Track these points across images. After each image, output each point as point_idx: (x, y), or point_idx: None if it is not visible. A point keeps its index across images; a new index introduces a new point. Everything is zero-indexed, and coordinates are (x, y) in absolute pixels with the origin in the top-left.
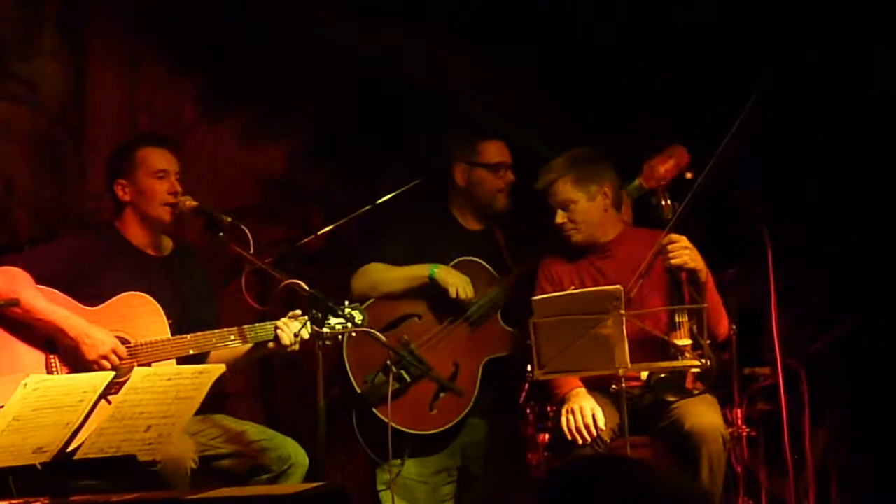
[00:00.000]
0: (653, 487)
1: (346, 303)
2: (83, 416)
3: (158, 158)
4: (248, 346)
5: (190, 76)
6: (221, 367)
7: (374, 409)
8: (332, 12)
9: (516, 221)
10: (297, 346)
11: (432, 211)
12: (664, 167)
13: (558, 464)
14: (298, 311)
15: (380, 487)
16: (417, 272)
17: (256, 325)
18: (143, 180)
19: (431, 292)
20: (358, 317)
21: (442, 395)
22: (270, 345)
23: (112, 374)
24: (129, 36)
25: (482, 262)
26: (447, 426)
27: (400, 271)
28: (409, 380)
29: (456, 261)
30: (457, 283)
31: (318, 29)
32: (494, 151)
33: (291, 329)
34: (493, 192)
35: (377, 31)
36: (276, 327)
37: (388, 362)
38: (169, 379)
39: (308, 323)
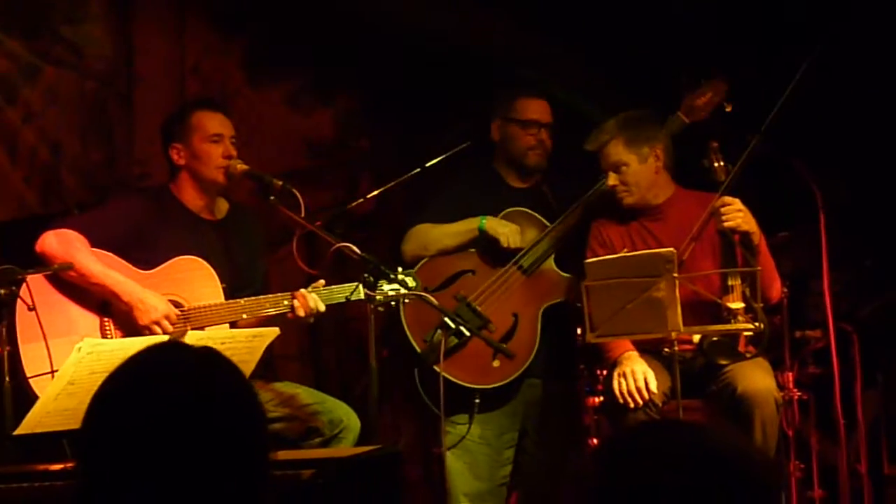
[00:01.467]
0: (715, 451)
1: (399, 268)
2: None
3: (213, 122)
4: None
5: (237, 40)
6: (275, 331)
7: (435, 368)
8: None
9: (565, 182)
10: (311, 319)
11: (478, 170)
12: (703, 99)
13: (611, 427)
14: (321, 283)
15: (446, 447)
16: (467, 226)
17: (305, 291)
18: (197, 144)
19: (483, 245)
20: (411, 282)
21: (493, 346)
22: (289, 315)
23: (165, 338)
24: (177, 2)
25: (530, 212)
26: (513, 376)
27: (449, 227)
28: (467, 335)
29: (504, 212)
30: (507, 232)
31: None
32: (529, 108)
33: (313, 302)
34: (523, 148)
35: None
36: (320, 293)
37: (445, 319)
38: (223, 343)
39: (352, 291)
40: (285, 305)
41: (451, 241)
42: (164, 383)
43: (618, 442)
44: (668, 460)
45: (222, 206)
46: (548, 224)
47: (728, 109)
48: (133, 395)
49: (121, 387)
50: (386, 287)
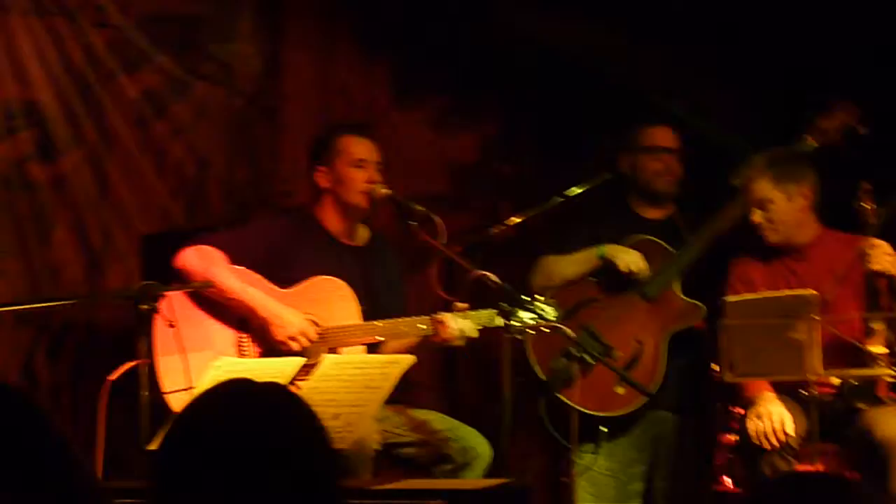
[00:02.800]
0: None
1: (537, 296)
2: None
3: (359, 147)
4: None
5: (384, 62)
6: (411, 358)
7: (558, 395)
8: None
9: (701, 213)
10: (462, 342)
11: (609, 203)
12: (831, 123)
13: (744, 467)
14: (466, 305)
15: (575, 478)
16: (588, 254)
17: (443, 316)
18: (342, 168)
19: (606, 273)
20: (550, 312)
21: (620, 375)
22: (433, 338)
23: (303, 360)
24: (325, 21)
25: (655, 239)
26: (634, 407)
27: (572, 257)
28: (591, 362)
29: (628, 239)
30: (626, 258)
31: (514, 18)
32: (654, 136)
33: (457, 325)
34: (651, 174)
35: (574, 24)
36: (457, 320)
37: (571, 348)
38: (358, 367)
39: (489, 319)
40: (422, 329)
41: (575, 269)
42: (229, 422)
43: (770, 492)
44: None
45: (363, 233)
46: (672, 251)
47: (862, 132)
48: (202, 431)
49: (193, 421)
50: (523, 315)
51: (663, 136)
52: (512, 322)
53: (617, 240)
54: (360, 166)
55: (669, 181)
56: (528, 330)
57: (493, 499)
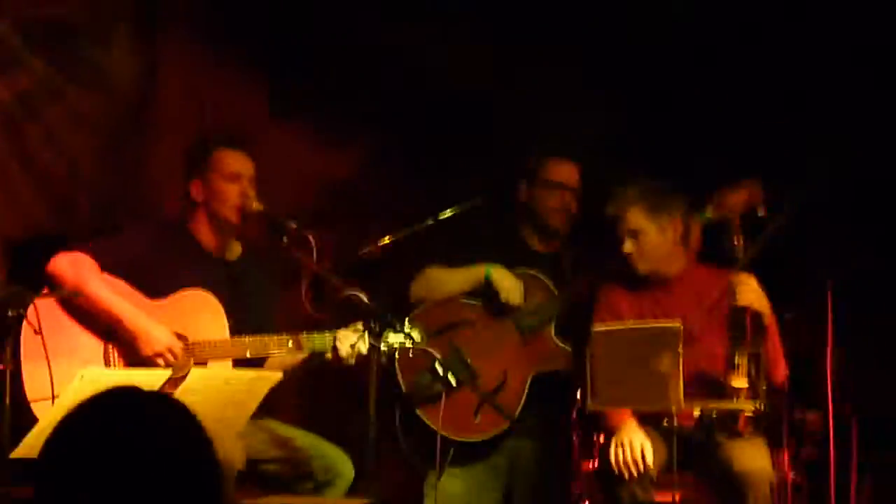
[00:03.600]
0: None
1: (406, 319)
2: None
3: (233, 161)
4: (304, 354)
5: (260, 76)
6: (278, 375)
7: (417, 411)
8: (403, 20)
9: (587, 248)
10: (353, 360)
11: (500, 227)
12: (735, 199)
13: (603, 495)
14: (360, 325)
15: (426, 494)
16: (474, 273)
17: (315, 334)
18: (215, 182)
19: (486, 298)
20: (416, 335)
21: (484, 400)
22: (328, 355)
23: (168, 372)
24: (202, 32)
25: (542, 277)
26: (490, 436)
27: (457, 272)
28: (454, 385)
29: (516, 270)
30: (508, 286)
31: (388, 35)
32: (557, 171)
33: (349, 341)
34: (548, 209)
35: (449, 41)
36: (335, 338)
37: (436, 365)
38: (226, 382)
39: (366, 336)
40: (290, 347)
41: (457, 286)
42: (117, 429)
43: None
44: None
45: (236, 248)
46: (555, 292)
47: (761, 215)
48: (86, 440)
49: (76, 429)
50: (391, 338)
51: (566, 173)
52: (381, 345)
53: (503, 265)
54: (233, 180)
55: (564, 218)
56: (395, 354)
57: None
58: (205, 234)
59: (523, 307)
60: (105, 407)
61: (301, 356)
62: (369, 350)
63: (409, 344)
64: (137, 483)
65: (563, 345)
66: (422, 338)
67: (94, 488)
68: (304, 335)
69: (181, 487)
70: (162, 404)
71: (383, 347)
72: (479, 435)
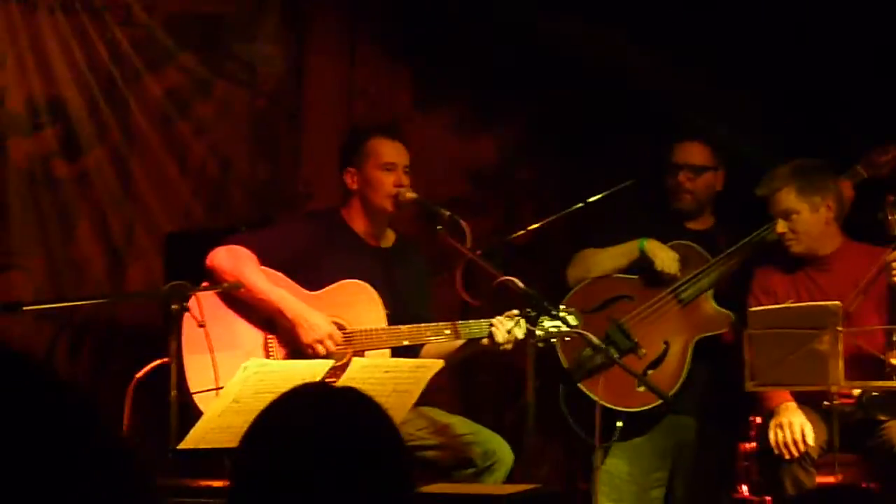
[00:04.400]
0: None
1: (561, 305)
2: None
3: (388, 150)
4: (461, 341)
5: (406, 65)
6: (440, 363)
7: (579, 385)
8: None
9: (740, 228)
10: (510, 346)
11: (651, 209)
12: (884, 158)
13: (762, 476)
14: (515, 311)
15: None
16: (628, 247)
17: (471, 321)
18: (371, 171)
19: (642, 271)
20: (572, 319)
21: (650, 371)
22: (484, 341)
23: (329, 362)
24: (348, 23)
25: (696, 246)
26: (654, 405)
27: (612, 249)
28: (617, 356)
29: (671, 242)
30: (664, 256)
31: (537, 21)
32: (680, 153)
33: (505, 327)
34: (673, 190)
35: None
36: (491, 324)
37: (594, 341)
38: (387, 371)
39: (522, 322)
40: (447, 335)
41: (613, 262)
42: (314, 428)
43: None
44: None
45: (390, 236)
46: (709, 259)
47: None
48: (283, 438)
49: (274, 427)
50: (546, 323)
51: (687, 153)
52: (537, 330)
53: (658, 239)
54: (388, 169)
55: (691, 198)
56: (551, 340)
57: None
58: (359, 223)
59: (680, 276)
60: (302, 403)
61: (458, 343)
62: (526, 335)
63: (564, 328)
64: (336, 479)
65: (723, 310)
66: (578, 322)
67: (295, 485)
68: (461, 323)
69: (380, 481)
70: (355, 399)
71: (539, 332)
72: (643, 405)
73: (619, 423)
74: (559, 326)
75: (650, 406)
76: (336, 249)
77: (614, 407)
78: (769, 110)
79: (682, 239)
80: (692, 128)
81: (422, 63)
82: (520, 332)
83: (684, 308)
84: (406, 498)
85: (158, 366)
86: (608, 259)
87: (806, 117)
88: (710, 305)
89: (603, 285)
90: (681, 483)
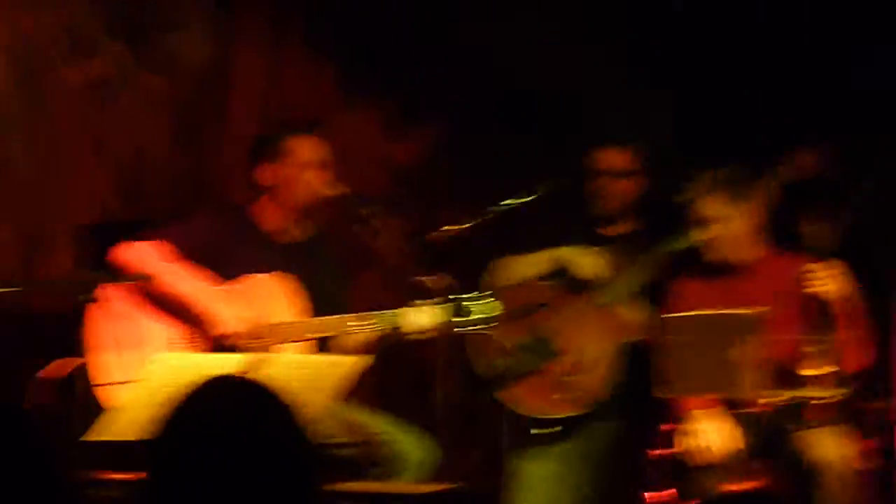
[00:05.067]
0: None
1: (478, 294)
2: None
3: (306, 147)
4: (371, 335)
5: (331, 60)
6: (358, 359)
7: (497, 394)
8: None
9: (650, 233)
10: (419, 336)
11: (568, 216)
12: (807, 159)
13: (674, 482)
14: (422, 301)
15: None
16: (548, 255)
17: (382, 311)
18: (290, 169)
19: (562, 278)
20: (491, 309)
21: (567, 379)
22: (403, 329)
23: (242, 356)
24: (275, 17)
25: (618, 251)
26: (575, 412)
27: (531, 257)
28: (535, 366)
29: (592, 248)
30: (584, 264)
31: (463, 24)
32: (603, 159)
33: (415, 318)
34: (598, 196)
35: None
36: (400, 315)
37: (514, 347)
38: (300, 367)
39: (435, 311)
40: (358, 326)
41: (533, 269)
42: (223, 421)
43: None
44: None
45: (304, 230)
46: (629, 263)
47: (830, 177)
48: (196, 429)
49: (186, 419)
50: (466, 311)
51: (609, 160)
52: (462, 316)
53: (579, 244)
54: (308, 167)
55: (615, 203)
56: (475, 326)
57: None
58: (269, 219)
59: (601, 282)
60: (214, 395)
61: (368, 336)
62: (444, 326)
63: (491, 312)
64: (244, 471)
65: (643, 315)
66: (497, 311)
67: (207, 474)
68: (371, 314)
69: (285, 474)
70: (263, 392)
71: (462, 318)
72: (563, 412)
73: (538, 431)
74: (485, 313)
75: (569, 414)
76: (243, 246)
77: (533, 415)
78: (681, 112)
79: (603, 244)
80: (610, 131)
81: (348, 60)
82: (438, 318)
83: (605, 314)
84: (313, 493)
85: (67, 359)
86: (527, 266)
87: (719, 120)
88: (630, 311)
89: (522, 291)
90: (598, 486)
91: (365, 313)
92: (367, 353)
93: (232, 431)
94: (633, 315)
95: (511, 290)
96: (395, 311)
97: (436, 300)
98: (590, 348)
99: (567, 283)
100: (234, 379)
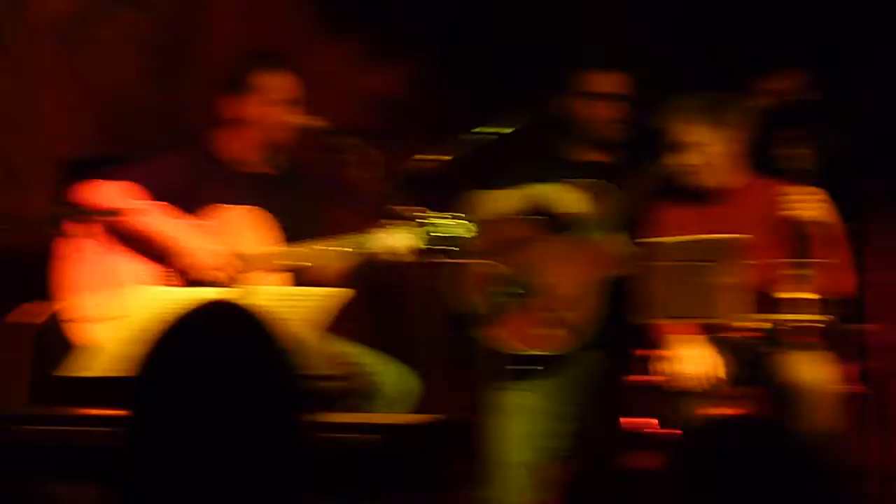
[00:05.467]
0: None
1: (452, 215)
2: None
3: (277, 83)
4: (347, 262)
5: None
6: (339, 291)
7: (485, 330)
8: None
9: (635, 158)
10: (392, 258)
11: (546, 145)
12: (782, 85)
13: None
14: (400, 224)
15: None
16: (527, 191)
17: (359, 236)
18: (256, 106)
19: (545, 213)
20: (466, 230)
21: (549, 315)
22: (367, 254)
23: (225, 290)
24: None
25: (597, 186)
26: (564, 347)
27: (513, 192)
28: (518, 300)
29: (576, 181)
30: (566, 198)
31: None
32: (604, 83)
33: (386, 239)
34: (599, 121)
35: None
36: (372, 237)
37: (498, 282)
38: (283, 299)
39: (407, 234)
40: (337, 251)
41: (511, 205)
42: (211, 343)
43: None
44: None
45: (277, 161)
46: (613, 198)
47: (811, 99)
48: (180, 356)
49: (168, 347)
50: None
51: (611, 83)
52: (438, 233)
53: (556, 180)
54: (277, 104)
55: (616, 128)
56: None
57: (428, 434)
58: (237, 151)
59: (581, 219)
60: (199, 319)
61: (349, 261)
62: (417, 250)
63: (464, 234)
64: (231, 396)
65: (628, 248)
66: (472, 233)
67: (193, 406)
68: (350, 238)
69: (271, 399)
70: (245, 315)
71: (441, 234)
72: (550, 348)
73: (534, 368)
74: (462, 230)
75: (558, 350)
76: (210, 180)
77: (515, 351)
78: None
79: (583, 174)
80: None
81: None
82: (408, 242)
83: (590, 248)
84: (297, 423)
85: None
86: (506, 201)
87: (693, 47)
88: (615, 244)
89: (504, 227)
90: (585, 415)
91: (335, 238)
92: (345, 284)
93: (219, 354)
94: (614, 248)
95: (489, 225)
96: (367, 234)
97: (408, 224)
98: (571, 284)
99: (552, 218)
100: (220, 303)
